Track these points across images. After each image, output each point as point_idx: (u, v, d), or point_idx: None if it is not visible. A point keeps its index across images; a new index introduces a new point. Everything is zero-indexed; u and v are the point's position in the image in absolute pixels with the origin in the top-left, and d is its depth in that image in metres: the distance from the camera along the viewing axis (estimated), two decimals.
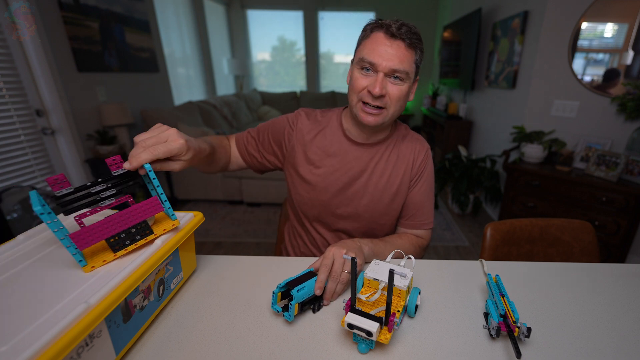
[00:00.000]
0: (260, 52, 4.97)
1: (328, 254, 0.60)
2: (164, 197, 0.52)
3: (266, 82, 5.20)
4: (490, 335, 0.49)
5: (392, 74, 0.68)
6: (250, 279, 0.63)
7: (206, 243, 2.23)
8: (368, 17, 3.16)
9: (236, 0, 4.56)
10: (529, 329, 0.46)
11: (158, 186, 0.52)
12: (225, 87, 4.65)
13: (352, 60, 0.75)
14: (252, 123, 4.23)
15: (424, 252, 0.88)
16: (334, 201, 0.82)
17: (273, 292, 0.53)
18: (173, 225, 0.54)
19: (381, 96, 0.69)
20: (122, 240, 0.48)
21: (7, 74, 1.72)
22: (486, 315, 0.53)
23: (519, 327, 0.46)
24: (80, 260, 0.44)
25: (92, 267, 0.45)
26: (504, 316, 0.49)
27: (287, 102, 4.79)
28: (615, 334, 0.51)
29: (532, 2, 2.11)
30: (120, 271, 0.43)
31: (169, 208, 0.53)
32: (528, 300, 0.59)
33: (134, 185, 0.54)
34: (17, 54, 1.77)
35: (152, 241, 0.51)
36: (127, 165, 0.49)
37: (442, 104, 3.90)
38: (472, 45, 2.88)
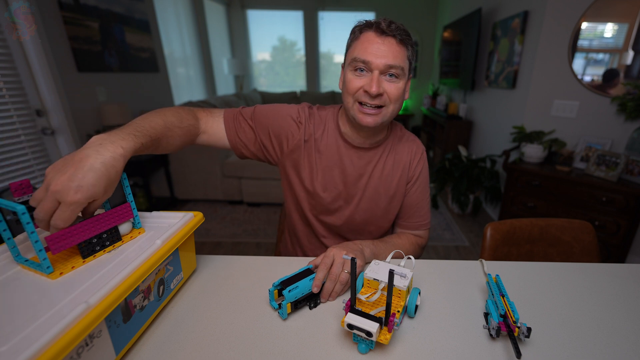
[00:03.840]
0: (260, 52, 4.97)
1: (329, 254, 0.60)
2: (133, 205, 0.54)
3: (266, 82, 5.19)
4: (490, 335, 0.49)
5: (387, 71, 0.66)
6: (250, 279, 0.63)
7: (206, 243, 2.23)
8: (368, 17, 3.15)
9: (236, 0, 4.56)
10: (529, 329, 0.46)
11: (129, 194, 0.53)
12: (225, 87, 4.65)
13: (343, 64, 0.73)
14: None
15: (422, 251, 0.89)
16: (332, 206, 0.81)
17: (269, 290, 0.54)
18: (139, 232, 0.55)
19: (379, 95, 0.67)
20: (92, 245, 0.47)
21: (7, 74, 1.72)
22: (486, 315, 0.53)
23: (519, 327, 0.46)
24: (48, 267, 0.43)
25: (61, 273, 0.44)
26: (504, 316, 0.49)
27: (287, 102, 4.79)
28: (615, 334, 0.51)
29: (532, 2, 2.11)
30: (120, 271, 0.43)
31: (136, 216, 0.54)
32: (528, 300, 0.59)
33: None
34: (17, 54, 1.77)
35: (118, 247, 0.51)
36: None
37: (442, 104, 3.90)
38: (472, 45, 2.88)
